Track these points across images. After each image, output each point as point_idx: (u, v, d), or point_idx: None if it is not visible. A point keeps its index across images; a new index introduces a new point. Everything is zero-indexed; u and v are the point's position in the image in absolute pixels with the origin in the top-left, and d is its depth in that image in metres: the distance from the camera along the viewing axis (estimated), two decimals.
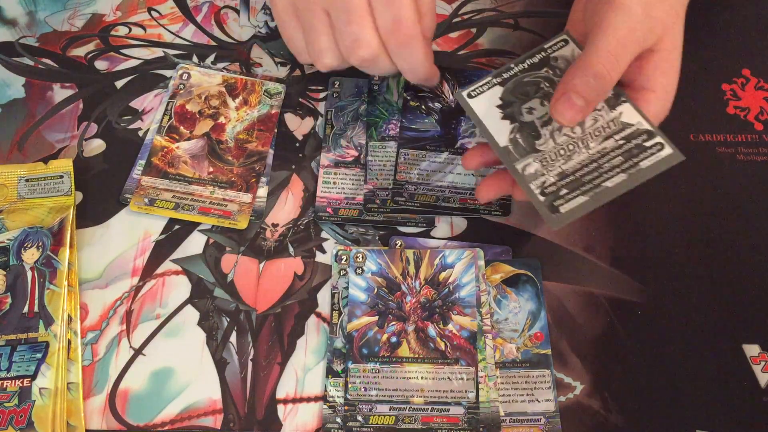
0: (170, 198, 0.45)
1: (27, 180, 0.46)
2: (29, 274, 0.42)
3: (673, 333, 0.42)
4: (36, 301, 0.41)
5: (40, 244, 0.43)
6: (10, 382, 0.39)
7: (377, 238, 0.45)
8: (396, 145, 0.47)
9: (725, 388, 0.41)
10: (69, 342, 0.41)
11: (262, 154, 0.47)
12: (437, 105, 0.49)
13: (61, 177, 0.46)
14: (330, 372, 0.40)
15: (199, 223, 0.45)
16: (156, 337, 0.42)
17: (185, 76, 0.50)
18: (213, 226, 0.45)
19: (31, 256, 0.42)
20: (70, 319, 0.41)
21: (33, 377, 0.39)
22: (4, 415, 0.38)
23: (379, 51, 0.40)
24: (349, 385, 0.40)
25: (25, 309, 0.41)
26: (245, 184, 0.46)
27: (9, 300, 0.41)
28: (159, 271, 0.44)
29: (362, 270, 0.43)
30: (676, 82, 0.40)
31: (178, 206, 0.45)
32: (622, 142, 0.38)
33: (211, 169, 0.47)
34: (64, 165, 0.46)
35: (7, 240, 0.43)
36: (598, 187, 0.37)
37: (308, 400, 0.40)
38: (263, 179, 0.47)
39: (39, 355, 0.40)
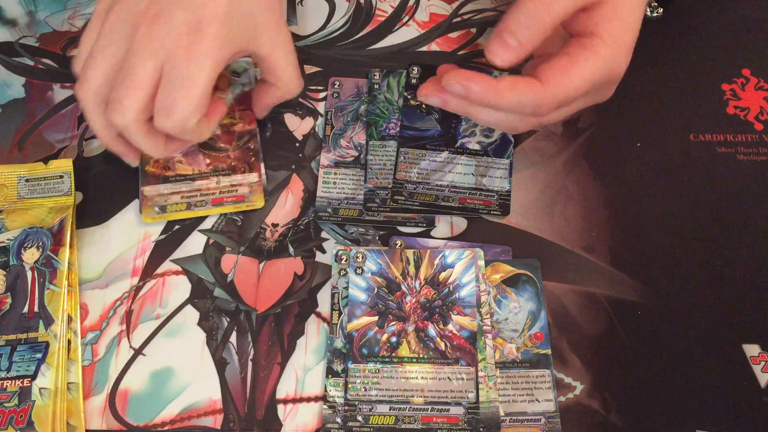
0: (180, 200, 0.45)
1: (27, 180, 0.46)
2: (29, 274, 0.42)
3: (673, 333, 0.42)
4: (36, 301, 0.41)
5: (40, 244, 0.43)
6: (10, 382, 0.39)
7: (377, 238, 0.45)
8: (396, 144, 0.47)
9: (725, 388, 0.41)
10: (69, 342, 0.41)
11: (251, 132, 0.48)
12: None
13: (61, 177, 0.46)
14: (330, 372, 0.40)
15: (199, 223, 0.45)
16: (156, 337, 0.42)
17: None
18: (213, 226, 0.45)
19: (31, 256, 0.42)
20: (70, 319, 0.41)
21: (33, 377, 0.39)
22: (4, 415, 0.38)
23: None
24: (349, 385, 0.40)
25: (25, 309, 0.41)
26: (246, 165, 0.46)
27: (9, 300, 0.41)
28: (159, 271, 0.44)
29: (362, 270, 0.43)
30: (627, 33, 0.39)
31: (190, 205, 0.45)
32: None
33: (208, 161, 0.47)
34: (64, 165, 0.46)
35: (7, 240, 0.43)
36: None
37: (308, 400, 0.40)
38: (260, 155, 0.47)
39: (39, 355, 0.40)
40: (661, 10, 0.53)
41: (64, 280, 0.42)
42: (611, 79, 0.40)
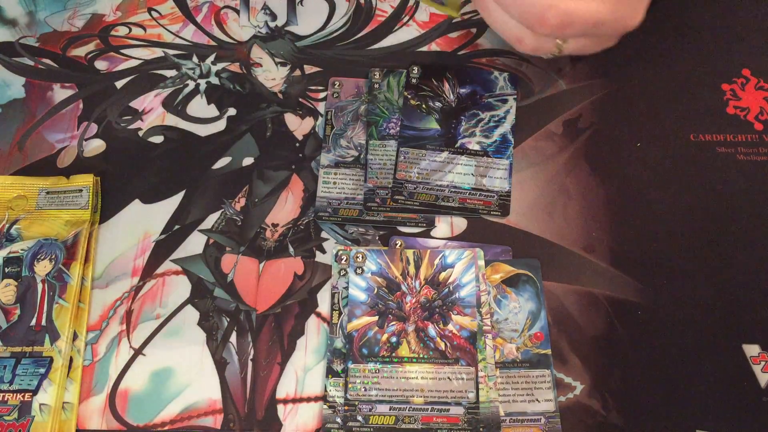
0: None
1: (48, 192, 0.45)
2: (39, 287, 0.42)
3: (673, 333, 0.42)
4: (44, 315, 0.41)
5: (53, 256, 0.42)
6: (11, 395, 0.39)
7: (377, 238, 0.45)
8: (396, 144, 0.47)
9: (725, 388, 0.41)
10: (71, 360, 0.40)
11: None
12: (437, 104, 0.49)
13: (80, 191, 0.45)
14: (330, 372, 0.40)
15: (199, 223, 0.45)
16: (156, 337, 0.42)
17: None
18: (213, 226, 0.45)
19: (43, 268, 0.42)
20: (75, 336, 0.41)
21: (34, 392, 0.39)
22: (2, 429, 0.38)
23: None
24: (349, 385, 0.40)
25: (33, 322, 0.41)
26: None
27: (18, 311, 0.41)
28: (159, 271, 0.44)
29: (362, 270, 0.43)
30: None
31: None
32: None
33: None
34: (85, 180, 0.46)
35: (21, 250, 0.43)
36: None
37: (308, 400, 0.40)
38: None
39: (42, 370, 0.39)
40: None
41: (74, 295, 0.42)
42: None
